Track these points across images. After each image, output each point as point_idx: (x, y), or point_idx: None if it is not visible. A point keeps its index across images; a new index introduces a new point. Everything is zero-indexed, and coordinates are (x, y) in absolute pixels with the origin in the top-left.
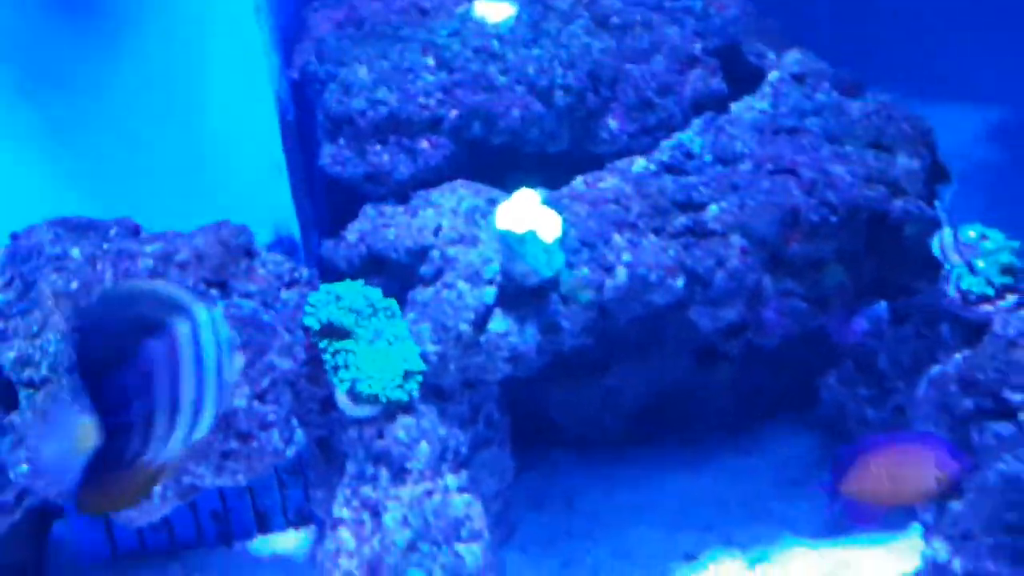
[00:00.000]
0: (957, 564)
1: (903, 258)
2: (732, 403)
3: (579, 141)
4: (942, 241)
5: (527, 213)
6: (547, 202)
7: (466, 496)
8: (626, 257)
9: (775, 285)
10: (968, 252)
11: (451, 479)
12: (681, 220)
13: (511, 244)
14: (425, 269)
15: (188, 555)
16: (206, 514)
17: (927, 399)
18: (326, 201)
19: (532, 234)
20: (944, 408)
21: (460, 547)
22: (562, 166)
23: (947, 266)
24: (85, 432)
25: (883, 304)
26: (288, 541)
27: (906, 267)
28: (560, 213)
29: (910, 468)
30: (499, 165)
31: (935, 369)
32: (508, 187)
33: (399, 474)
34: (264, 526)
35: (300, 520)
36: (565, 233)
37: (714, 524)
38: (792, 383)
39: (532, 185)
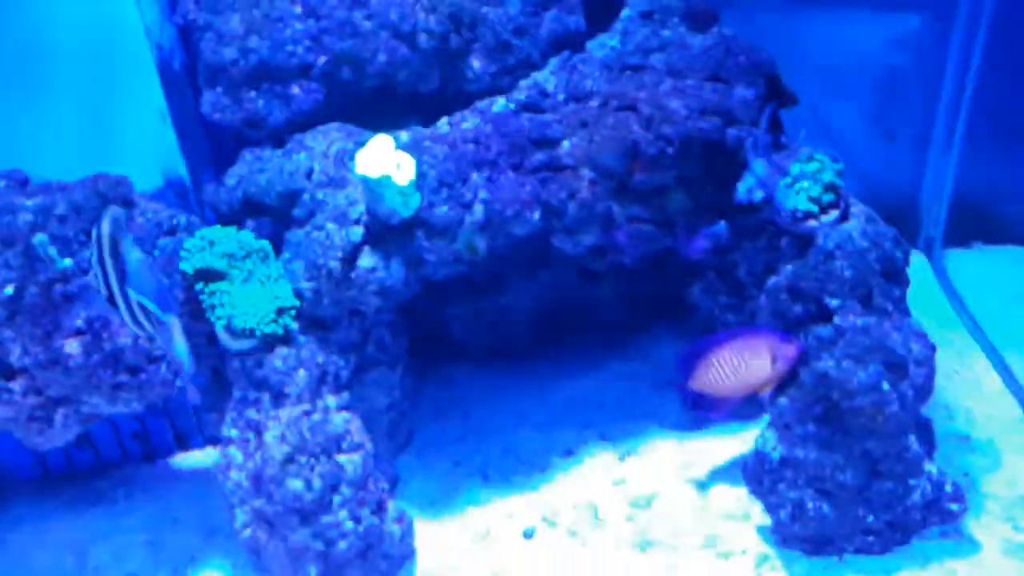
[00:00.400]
0: (776, 451)
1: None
2: (617, 315)
3: (448, 81)
4: (754, 172)
5: (383, 158)
6: (409, 144)
7: (345, 414)
8: (483, 194)
9: (624, 211)
10: (782, 175)
11: (331, 399)
12: (537, 156)
13: (371, 187)
14: (297, 211)
15: (114, 472)
16: (128, 435)
17: (765, 306)
18: (215, 146)
19: (387, 178)
20: (778, 313)
21: (340, 458)
22: (434, 105)
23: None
24: (177, 325)
25: (722, 224)
26: (204, 458)
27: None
28: (421, 154)
29: (749, 360)
30: (373, 106)
31: (772, 279)
32: (383, 127)
33: (278, 398)
34: (183, 445)
35: (216, 440)
36: (423, 175)
37: (593, 423)
38: (672, 294)
39: (407, 123)
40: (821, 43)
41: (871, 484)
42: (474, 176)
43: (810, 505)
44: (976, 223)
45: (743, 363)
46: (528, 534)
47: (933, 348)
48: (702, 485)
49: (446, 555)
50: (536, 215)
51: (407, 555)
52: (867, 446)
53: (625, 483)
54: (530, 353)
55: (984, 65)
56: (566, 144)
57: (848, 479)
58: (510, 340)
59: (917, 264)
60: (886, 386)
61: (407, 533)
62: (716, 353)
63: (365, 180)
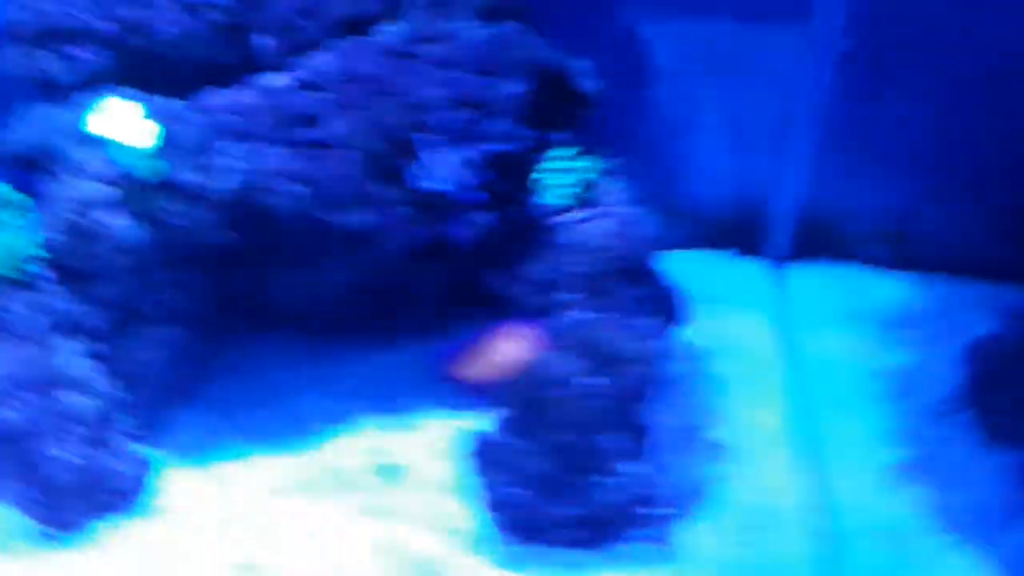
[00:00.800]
0: (493, 435)
1: (506, 173)
2: (436, 299)
3: (238, 55)
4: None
5: (128, 122)
6: (174, 111)
7: (88, 360)
8: (241, 164)
9: (388, 192)
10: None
11: (71, 344)
12: (306, 133)
13: (116, 149)
14: (55, 166)
15: None
16: None
17: (518, 295)
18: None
19: (130, 142)
20: (527, 304)
21: (69, 396)
22: (224, 76)
23: (539, 181)
24: None
25: (485, 213)
26: None
27: (510, 181)
28: (183, 122)
29: (497, 348)
30: (164, 74)
31: (524, 270)
32: (171, 94)
33: (10, 337)
34: None
35: None
36: (177, 142)
37: (377, 396)
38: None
39: (194, 92)
40: (683, 51)
41: (569, 477)
42: (237, 146)
43: (511, 490)
44: (822, 239)
45: (493, 351)
46: (274, 491)
47: (659, 351)
48: (447, 462)
49: (183, 499)
50: (298, 189)
51: (135, 492)
52: (565, 438)
53: (382, 453)
54: (344, 329)
55: (836, 82)
56: (335, 124)
57: (544, 468)
58: (325, 315)
59: (759, 275)
60: (588, 380)
61: (141, 474)
62: (474, 342)
63: (111, 142)
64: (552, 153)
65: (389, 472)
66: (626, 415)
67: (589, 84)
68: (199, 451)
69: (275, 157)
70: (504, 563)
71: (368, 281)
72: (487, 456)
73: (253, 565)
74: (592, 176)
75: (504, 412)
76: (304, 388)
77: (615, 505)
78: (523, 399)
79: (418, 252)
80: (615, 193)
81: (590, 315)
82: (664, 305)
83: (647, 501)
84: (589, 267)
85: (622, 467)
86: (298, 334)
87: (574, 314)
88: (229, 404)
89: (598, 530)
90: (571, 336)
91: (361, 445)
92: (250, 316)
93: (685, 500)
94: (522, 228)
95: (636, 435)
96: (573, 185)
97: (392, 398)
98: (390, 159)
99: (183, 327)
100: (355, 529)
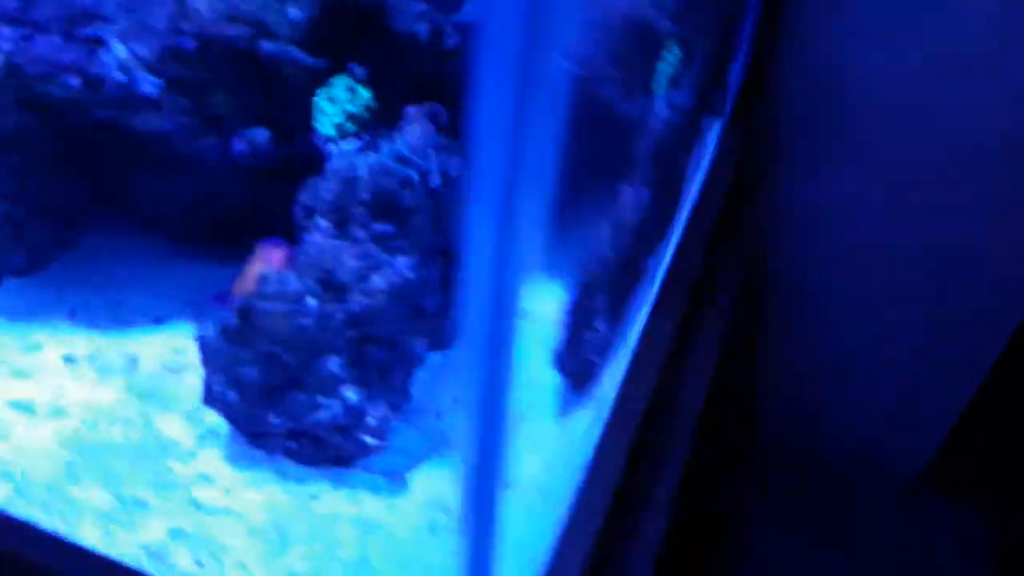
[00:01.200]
0: (210, 336)
1: (289, 97)
2: (275, 215)
3: None
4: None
5: None
6: None
7: None
8: (7, 47)
9: (172, 101)
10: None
11: None
12: (87, 29)
13: None
14: None
15: None
16: None
17: (295, 216)
18: None
19: None
20: (296, 224)
21: None
22: None
23: (317, 108)
24: None
25: (262, 130)
26: None
27: (294, 106)
28: None
29: (252, 264)
30: None
31: (301, 191)
32: None
33: None
34: None
35: None
36: None
37: (195, 300)
38: None
39: None
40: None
41: (280, 389)
42: (9, 29)
43: (220, 390)
44: None
45: (249, 267)
46: (68, 359)
47: (393, 288)
48: None
49: None
50: (73, 81)
51: None
52: (275, 351)
53: (176, 351)
54: (191, 239)
55: None
56: (118, 23)
57: (251, 376)
58: (174, 222)
59: None
60: (311, 301)
61: None
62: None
63: None
64: (334, 83)
65: (173, 366)
66: (348, 343)
67: (420, 28)
68: (18, 316)
69: (53, 46)
70: (228, 457)
71: (205, 195)
72: (207, 357)
73: (30, 407)
74: (356, 109)
75: (227, 319)
76: (135, 283)
77: (326, 424)
78: (239, 308)
79: (242, 169)
80: (410, 136)
81: (327, 241)
82: (439, 256)
83: (360, 428)
84: (336, 195)
85: (338, 391)
86: (151, 236)
87: (314, 238)
88: (61, 282)
89: (311, 446)
90: (302, 258)
91: (161, 340)
92: (108, 211)
93: (430, 443)
94: (306, 153)
95: (362, 364)
96: (346, 116)
97: (205, 305)
98: (161, 65)
99: (11, 204)
100: (122, 404)
